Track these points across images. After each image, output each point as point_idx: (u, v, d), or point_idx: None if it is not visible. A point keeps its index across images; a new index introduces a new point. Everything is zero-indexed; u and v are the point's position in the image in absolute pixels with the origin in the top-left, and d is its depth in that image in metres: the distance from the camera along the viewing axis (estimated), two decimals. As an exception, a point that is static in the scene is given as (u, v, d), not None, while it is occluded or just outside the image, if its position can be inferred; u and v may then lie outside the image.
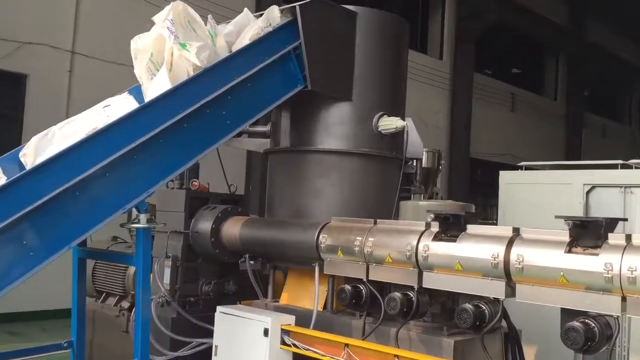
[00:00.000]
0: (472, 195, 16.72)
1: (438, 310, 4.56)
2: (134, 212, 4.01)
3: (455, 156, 17.97)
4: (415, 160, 5.95)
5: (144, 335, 3.87)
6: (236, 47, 4.79)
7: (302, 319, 4.94)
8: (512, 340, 4.78)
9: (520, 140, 20.62)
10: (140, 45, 4.66)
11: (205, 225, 5.59)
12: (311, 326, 4.89)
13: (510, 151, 19.12)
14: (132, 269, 6.20)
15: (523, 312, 4.64)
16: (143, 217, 3.88)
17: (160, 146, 4.04)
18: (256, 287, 5.47)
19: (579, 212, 6.04)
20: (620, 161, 5.98)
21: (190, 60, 4.43)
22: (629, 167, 5.88)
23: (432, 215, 4.11)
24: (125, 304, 6.27)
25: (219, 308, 5.07)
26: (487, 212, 16.54)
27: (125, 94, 4.71)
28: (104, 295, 6.57)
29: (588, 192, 6.09)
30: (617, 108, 28.93)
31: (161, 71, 4.46)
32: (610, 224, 3.54)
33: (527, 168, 6.67)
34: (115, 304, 6.37)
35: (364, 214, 4.99)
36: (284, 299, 5.60)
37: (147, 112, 4.08)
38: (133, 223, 3.92)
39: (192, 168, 6.22)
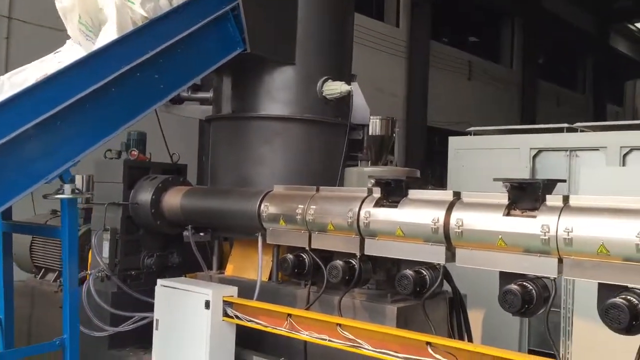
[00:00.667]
0: (430, 164, 16.81)
1: (383, 277, 4.51)
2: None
3: (412, 125, 17.97)
4: (362, 127, 5.82)
5: (73, 312, 3.69)
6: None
7: (248, 290, 4.82)
8: (457, 304, 4.78)
9: (476, 109, 20.77)
10: (66, 3, 4.37)
11: (145, 196, 5.38)
12: (255, 297, 4.78)
13: (467, 119, 19.23)
14: (71, 243, 5.96)
15: (469, 276, 4.62)
16: (67, 187, 3.66)
17: (86, 112, 3.79)
18: (199, 259, 5.32)
19: (525, 175, 6.05)
20: (565, 124, 6.00)
21: (135, 10, 4.16)
22: (574, 130, 5.90)
23: (373, 181, 3.99)
24: (65, 280, 6.02)
25: (160, 281, 4.90)
26: (444, 181, 16.69)
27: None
28: (43, 270, 6.32)
29: (535, 156, 6.11)
30: (571, 76, 29.40)
31: (108, 25, 4.16)
32: (549, 185, 3.49)
33: (476, 133, 6.65)
34: (54, 280, 6.13)
35: (308, 182, 4.87)
36: (229, 271, 5.48)
37: (71, 74, 3.82)
38: (57, 194, 3.69)
39: (139, 138, 5.98)
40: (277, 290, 4.89)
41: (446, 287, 4.67)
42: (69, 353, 3.68)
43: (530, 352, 6.11)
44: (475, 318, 5.56)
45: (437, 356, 3.54)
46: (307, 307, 4.48)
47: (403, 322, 4.21)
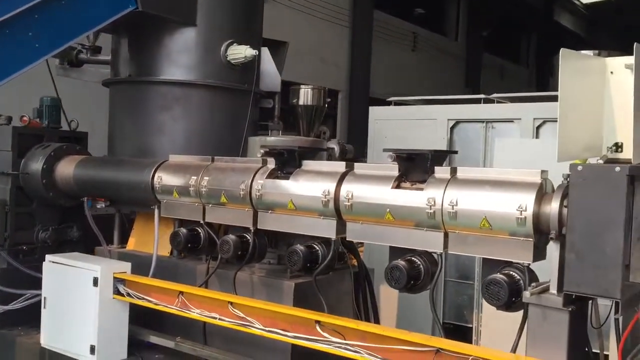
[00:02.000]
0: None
1: (285, 251, 4.32)
2: None
3: (354, 96, 17.78)
4: (274, 94, 5.55)
5: None
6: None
7: (148, 265, 4.57)
8: (362, 279, 4.65)
9: (421, 81, 20.72)
10: None
11: (36, 165, 5.01)
12: (150, 274, 4.53)
13: (411, 92, 19.11)
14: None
15: (379, 250, 4.48)
16: None
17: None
18: (97, 232, 5.00)
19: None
20: (482, 96, 5.89)
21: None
22: (491, 101, 5.80)
23: (262, 151, 3.77)
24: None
25: (48, 257, 4.58)
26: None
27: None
28: None
29: (452, 128, 5.99)
30: (516, 50, 29.71)
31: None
32: (438, 157, 3.35)
33: (397, 103, 6.48)
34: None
35: (211, 152, 4.60)
36: (131, 245, 5.19)
37: None
38: None
39: (52, 104, 5.54)
40: (177, 266, 4.65)
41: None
42: None
43: (445, 325, 6.08)
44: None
45: (325, 334, 3.40)
46: (202, 284, 4.26)
47: (301, 298, 4.05)
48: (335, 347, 3.35)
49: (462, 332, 6.14)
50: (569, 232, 2.43)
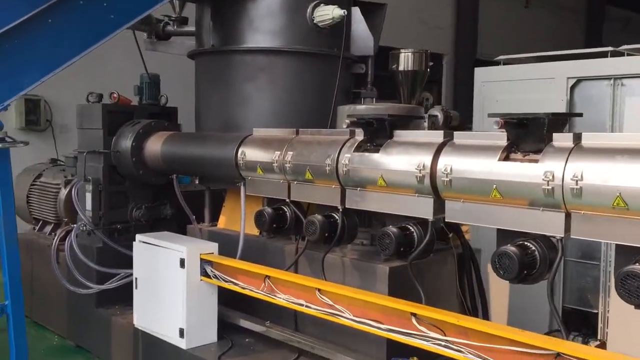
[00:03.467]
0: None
1: (378, 232, 3.91)
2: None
3: (460, 60, 16.74)
4: (366, 59, 5.08)
5: (13, 274, 3.31)
6: None
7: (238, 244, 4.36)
8: (467, 261, 4.15)
9: (535, 39, 19.15)
10: None
11: (125, 143, 4.93)
12: (238, 255, 4.31)
13: (524, 52, 17.73)
14: (63, 193, 5.65)
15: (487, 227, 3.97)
16: (-5, 135, 3.23)
17: (15, 48, 3.30)
18: (187, 210, 4.87)
19: (561, 110, 5.19)
20: (610, 48, 5.05)
21: None
22: (621, 54, 4.95)
23: (348, 121, 3.35)
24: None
25: (138, 237, 4.49)
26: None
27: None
28: (40, 223, 6.08)
29: (573, 87, 5.21)
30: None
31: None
32: (557, 121, 2.77)
33: (506, 63, 5.77)
34: (50, 232, 5.87)
35: (299, 124, 4.25)
36: (222, 223, 5.02)
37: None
38: (-18, 143, 3.27)
39: (152, 81, 5.49)
40: (265, 246, 4.39)
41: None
42: (12, 320, 3.34)
43: (565, 310, 5.41)
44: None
45: (422, 329, 2.98)
46: (288, 268, 3.97)
47: (396, 284, 3.64)
48: (434, 344, 2.92)
49: (585, 318, 5.45)
50: None
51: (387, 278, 3.64)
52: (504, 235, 2.88)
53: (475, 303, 4.22)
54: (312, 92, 4.61)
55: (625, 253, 2.48)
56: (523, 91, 5.50)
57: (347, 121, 3.36)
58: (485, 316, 4.29)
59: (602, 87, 5.02)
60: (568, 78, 5.18)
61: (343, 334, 3.75)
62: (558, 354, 2.51)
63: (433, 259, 3.80)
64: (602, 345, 4.80)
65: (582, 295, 5.48)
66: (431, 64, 7.05)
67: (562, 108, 5.20)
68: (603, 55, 5.06)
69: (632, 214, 2.37)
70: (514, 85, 5.59)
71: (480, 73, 5.88)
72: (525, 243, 2.80)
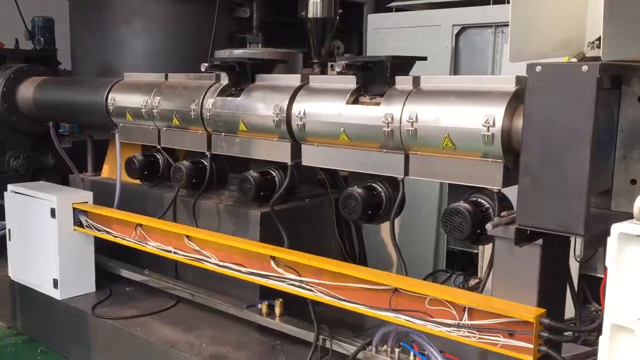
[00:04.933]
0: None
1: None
2: None
3: (381, 8, 16.67)
4: (251, 2, 4.96)
5: None
6: None
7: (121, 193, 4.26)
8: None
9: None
10: None
11: (-4, 89, 4.67)
12: (115, 204, 4.23)
13: None
14: None
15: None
16: None
17: None
18: (67, 160, 4.69)
19: (446, 57, 5.30)
20: (494, -6, 5.15)
21: None
22: (502, 1, 5.06)
23: (207, 65, 3.28)
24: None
25: (10, 186, 4.32)
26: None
27: None
28: None
29: (458, 34, 5.31)
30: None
31: None
32: (402, 64, 2.81)
33: (398, 9, 5.79)
34: None
35: (178, 69, 4.12)
36: (105, 172, 4.87)
37: None
38: None
39: (45, 24, 5.14)
40: (144, 195, 4.31)
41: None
42: None
43: (452, 251, 5.67)
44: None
45: (280, 270, 3.04)
46: (161, 216, 3.92)
47: (269, 228, 3.67)
48: (289, 284, 3.00)
49: (470, 258, 5.73)
50: (524, 152, 1.91)
51: (258, 223, 3.67)
52: (356, 178, 2.95)
53: (353, 247, 4.34)
54: (190, 36, 4.48)
55: (456, 192, 2.59)
56: (413, 38, 5.56)
57: (206, 64, 3.29)
58: (363, 260, 4.42)
59: (484, 35, 5.15)
60: (453, 25, 5.27)
61: (222, 280, 3.78)
62: (396, 289, 2.63)
63: (309, 203, 3.86)
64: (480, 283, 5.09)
65: (466, 237, 5.74)
66: (340, 11, 6.97)
67: (447, 55, 5.30)
68: (486, 2, 5.16)
69: (460, 154, 2.47)
70: (405, 32, 5.64)
71: (372, 20, 5.89)
72: (373, 185, 2.88)
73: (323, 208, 4.14)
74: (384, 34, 5.81)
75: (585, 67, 1.75)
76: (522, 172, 1.90)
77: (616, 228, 1.56)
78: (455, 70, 5.34)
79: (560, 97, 1.78)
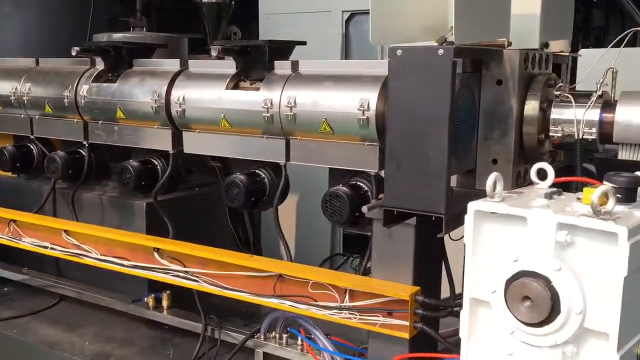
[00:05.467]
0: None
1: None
2: None
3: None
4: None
5: None
6: None
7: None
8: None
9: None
10: None
11: None
12: (-11, 198, 3.92)
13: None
14: None
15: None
16: None
17: None
18: None
19: (337, 43, 5.33)
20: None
21: None
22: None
23: (78, 49, 3.10)
24: None
25: None
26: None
27: None
28: None
29: (348, 20, 5.36)
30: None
31: None
32: (281, 49, 2.78)
33: (282, -8, 5.73)
34: None
35: (55, 54, 3.86)
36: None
37: None
38: None
39: None
40: (22, 188, 4.03)
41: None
42: None
43: (349, 235, 5.72)
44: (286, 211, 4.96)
45: (164, 262, 2.94)
46: (37, 210, 3.68)
47: (155, 219, 3.54)
48: (174, 276, 2.91)
49: (365, 241, 5.85)
50: (389, 135, 1.95)
51: (144, 214, 3.53)
52: (240, 165, 2.90)
53: (247, 236, 4.29)
54: (67, 19, 4.22)
55: (336, 177, 2.60)
56: (305, 24, 5.54)
57: (77, 48, 3.10)
58: (257, 248, 4.39)
59: (373, 21, 5.22)
60: (343, 11, 5.31)
61: (109, 276, 3.59)
62: (280, 275, 2.62)
63: (199, 192, 3.76)
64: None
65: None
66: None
67: (338, 41, 5.34)
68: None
69: (338, 138, 2.48)
70: (297, 17, 5.61)
71: (264, 5, 5.81)
72: (256, 171, 2.84)
73: (214, 196, 4.05)
74: (276, 19, 5.75)
75: (441, 51, 1.80)
76: (388, 155, 1.93)
77: (472, 206, 1.63)
78: (346, 56, 5.38)
79: (420, 80, 1.83)
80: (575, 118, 2.01)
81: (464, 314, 1.69)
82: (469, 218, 1.64)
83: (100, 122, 3.23)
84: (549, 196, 1.62)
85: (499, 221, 1.62)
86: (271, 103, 2.60)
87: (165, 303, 3.30)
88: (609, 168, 2.01)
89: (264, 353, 2.90)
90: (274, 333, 2.90)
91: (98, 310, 3.56)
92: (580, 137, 1.98)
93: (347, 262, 5.69)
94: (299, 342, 2.80)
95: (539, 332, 1.52)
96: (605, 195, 1.44)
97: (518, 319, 1.54)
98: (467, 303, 1.67)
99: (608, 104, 2.00)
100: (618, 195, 1.49)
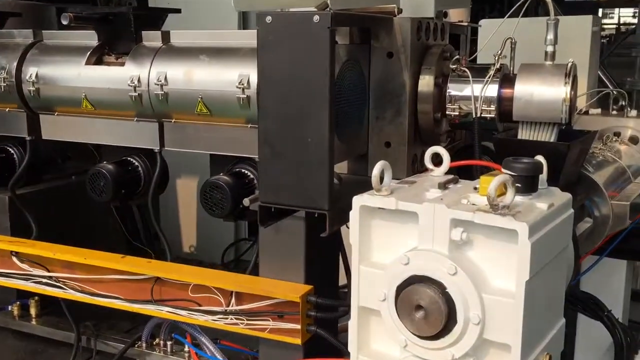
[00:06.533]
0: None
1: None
2: None
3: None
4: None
5: None
6: None
7: None
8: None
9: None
10: None
11: None
12: None
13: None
14: None
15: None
16: None
17: None
18: None
19: (233, 14, 4.95)
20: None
21: None
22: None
23: None
24: None
25: None
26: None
27: None
28: None
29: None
30: None
31: None
32: (151, 18, 2.42)
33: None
34: None
35: None
36: None
37: None
38: None
39: None
40: None
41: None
42: None
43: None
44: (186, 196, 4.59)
45: (25, 267, 2.54)
46: None
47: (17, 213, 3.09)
48: (35, 283, 2.52)
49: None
50: (261, 117, 1.65)
51: (7, 210, 3.07)
52: (109, 152, 2.53)
53: (137, 228, 3.91)
54: None
55: (218, 164, 2.30)
56: None
57: None
58: (150, 242, 4.01)
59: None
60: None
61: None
62: (157, 278, 2.30)
63: (77, 180, 3.33)
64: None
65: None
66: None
67: (234, 13, 4.97)
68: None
69: (216, 120, 2.17)
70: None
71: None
72: (128, 159, 2.48)
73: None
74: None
75: (316, 17, 1.51)
76: (261, 142, 1.64)
77: (357, 200, 1.38)
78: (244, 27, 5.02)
79: (293, 52, 1.53)
80: (472, 94, 1.81)
81: (352, 324, 1.45)
82: (354, 215, 1.40)
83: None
84: (442, 186, 1.39)
85: (389, 217, 1.38)
86: (139, 80, 2.24)
87: (33, 311, 2.89)
88: (509, 149, 1.83)
89: (147, 363, 2.59)
90: (157, 340, 2.59)
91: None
92: (479, 115, 1.79)
93: (253, 247, 5.43)
94: (186, 349, 2.51)
95: (434, 346, 1.31)
96: (503, 186, 1.23)
97: (410, 331, 1.32)
98: (355, 312, 1.44)
99: (507, 79, 1.81)
100: (518, 185, 1.29)
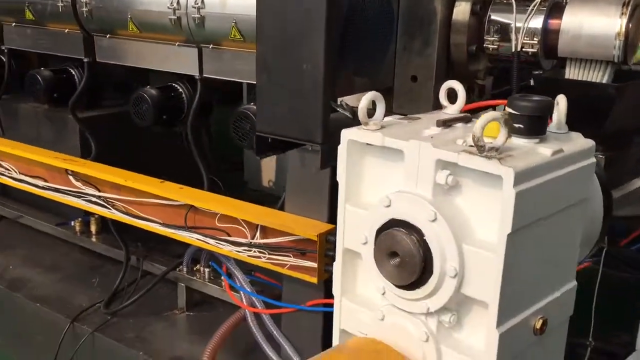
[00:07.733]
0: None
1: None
2: None
3: None
4: None
5: None
6: None
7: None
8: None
9: None
10: None
11: None
12: None
13: None
14: None
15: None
16: None
17: None
18: None
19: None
20: None
21: None
22: None
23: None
24: None
25: None
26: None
27: None
28: None
29: None
30: None
31: None
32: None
33: None
34: None
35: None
36: None
37: None
38: None
39: None
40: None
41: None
42: None
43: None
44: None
45: (79, 185, 2.66)
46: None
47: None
48: (85, 200, 2.63)
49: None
50: (259, 39, 1.51)
51: (77, 129, 3.21)
52: (156, 77, 2.54)
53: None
54: None
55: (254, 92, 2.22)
56: None
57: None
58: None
59: None
60: None
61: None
62: (192, 206, 2.32)
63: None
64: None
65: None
66: None
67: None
68: None
69: (250, 47, 2.08)
70: None
71: None
72: (173, 85, 2.48)
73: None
74: None
75: None
76: (259, 67, 1.53)
77: (345, 134, 1.26)
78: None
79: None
80: (514, 24, 1.58)
81: (336, 267, 1.36)
82: (342, 149, 1.28)
83: (14, 24, 2.86)
84: (443, 124, 1.23)
85: (379, 155, 1.25)
86: (178, 3, 2.19)
87: (93, 228, 3.05)
88: (553, 90, 1.60)
89: (187, 287, 2.66)
90: (198, 266, 2.64)
91: (36, 233, 3.33)
92: (519, 49, 1.57)
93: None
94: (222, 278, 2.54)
95: (410, 296, 1.19)
96: (495, 125, 1.06)
97: (386, 278, 1.21)
98: (340, 254, 1.34)
99: (556, 7, 1.56)
100: (520, 125, 1.10)
